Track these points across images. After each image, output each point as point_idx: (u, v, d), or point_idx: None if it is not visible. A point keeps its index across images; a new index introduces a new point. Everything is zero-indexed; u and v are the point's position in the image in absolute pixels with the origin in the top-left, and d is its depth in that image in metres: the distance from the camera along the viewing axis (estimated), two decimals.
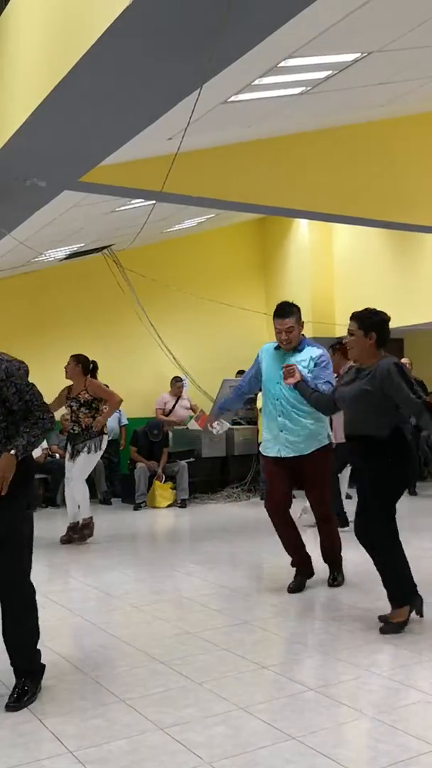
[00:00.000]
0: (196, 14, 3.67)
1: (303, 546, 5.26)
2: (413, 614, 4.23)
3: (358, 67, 5.33)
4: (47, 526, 8.70)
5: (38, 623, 3.48)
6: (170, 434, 10.60)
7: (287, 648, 4.01)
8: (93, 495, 7.96)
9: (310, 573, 5.26)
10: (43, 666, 3.50)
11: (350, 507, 5.67)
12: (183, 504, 9.72)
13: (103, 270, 10.80)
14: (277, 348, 5.24)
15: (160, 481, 9.87)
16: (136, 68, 4.25)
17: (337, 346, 7.03)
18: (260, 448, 5.43)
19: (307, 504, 6.93)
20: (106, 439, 7.46)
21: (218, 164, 6.94)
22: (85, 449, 7.23)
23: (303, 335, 5.26)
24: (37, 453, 10.17)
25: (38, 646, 3.50)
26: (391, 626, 4.13)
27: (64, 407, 7.53)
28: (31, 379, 3.43)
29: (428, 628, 4.27)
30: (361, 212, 7.90)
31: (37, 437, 3.34)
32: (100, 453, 7.42)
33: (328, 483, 5.30)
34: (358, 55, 5.15)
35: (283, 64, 5.00)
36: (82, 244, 9.89)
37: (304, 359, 5.09)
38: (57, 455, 10.45)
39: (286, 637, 4.15)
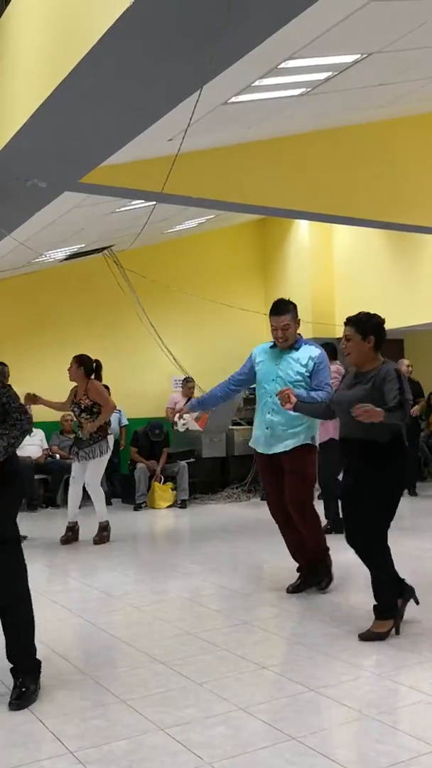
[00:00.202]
0: (196, 15, 3.67)
1: (297, 546, 5.17)
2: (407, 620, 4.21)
3: (358, 68, 5.33)
4: (47, 526, 8.70)
5: (33, 620, 3.50)
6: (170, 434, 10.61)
7: (288, 648, 4.02)
8: None
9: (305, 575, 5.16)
10: (39, 662, 3.50)
11: None
12: (183, 504, 9.72)
13: (104, 271, 10.81)
14: (272, 346, 5.18)
15: (159, 482, 9.88)
16: (137, 69, 4.26)
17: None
18: (250, 443, 5.32)
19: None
20: (112, 438, 7.46)
21: (218, 165, 6.94)
22: (92, 454, 7.23)
23: (299, 334, 5.19)
24: (37, 453, 10.19)
25: (36, 644, 3.51)
26: (371, 634, 4.07)
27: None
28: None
29: (428, 628, 4.27)
30: (362, 213, 7.91)
31: (16, 438, 3.40)
32: (109, 454, 7.40)
33: (305, 480, 5.07)
34: (358, 56, 5.16)
35: (283, 65, 5.00)
36: (83, 245, 9.90)
37: (302, 358, 5.05)
38: (57, 456, 10.46)
39: (287, 638, 4.15)
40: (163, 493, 9.84)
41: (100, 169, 5.98)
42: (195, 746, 2.88)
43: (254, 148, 7.06)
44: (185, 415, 5.44)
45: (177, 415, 5.56)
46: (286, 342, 5.08)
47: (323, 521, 6.34)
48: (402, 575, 4.28)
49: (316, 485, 5.86)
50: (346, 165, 7.52)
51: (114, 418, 10.62)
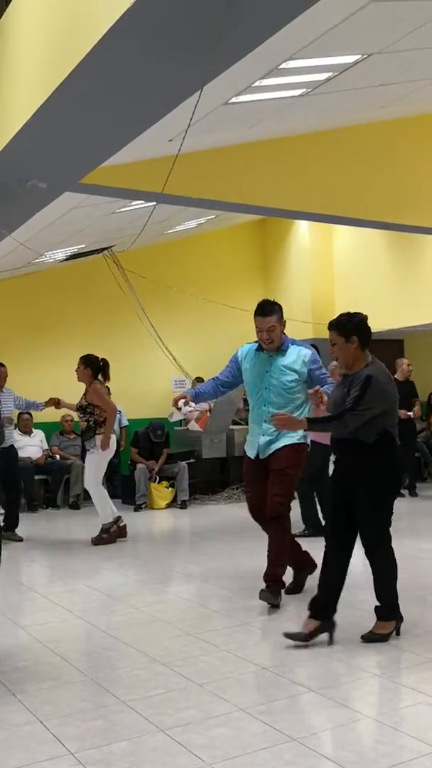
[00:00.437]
0: (196, 16, 3.67)
1: (296, 545, 5.05)
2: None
3: (359, 68, 5.33)
4: (47, 527, 8.71)
5: None
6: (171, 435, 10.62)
7: (288, 649, 4.01)
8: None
9: (312, 568, 5.00)
10: None
11: None
12: (183, 505, 9.72)
13: (104, 271, 10.81)
14: (258, 349, 5.00)
15: (154, 482, 9.87)
16: (137, 70, 4.26)
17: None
18: (245, 447, 5.15)
19: None
20: (114, 438, 7.45)
21: (219, 165, 6.94)
22: (90, 445, 7.25)
23: (284, 334, 5.01)
24: (37, 454, 10.19)
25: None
26: (374, 635, 4.06)
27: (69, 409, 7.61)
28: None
29: (428, 629, 4.27)
30: (362, 213, 7.91)
31: None
32: (109, 454, 7.38)
33: (292, 481, 4.92)
34: (358, 56, 5.16)
35: (283, 65, 5.00)
36: (83, 245, 9.90)
37: (294, 363, 4.91)
38: (57, 456, 10.46)
39: (287, 639, 4.14)
40: (160, 492, 9.84)
41: (101, 169, 5.98)
42: (195, 747, 2.87)
43: (254, 148, 7.06)
44: (185, 408, 4.96)
45: (182, 401, 4.96)
46: (272, 344, 4.91)
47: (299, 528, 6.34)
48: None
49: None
50: (346, 165, 7.53)
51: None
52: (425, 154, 7.90)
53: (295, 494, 5.41)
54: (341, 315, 4.24)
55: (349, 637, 4.10)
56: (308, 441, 5.05)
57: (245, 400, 11.11)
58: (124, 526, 7.46)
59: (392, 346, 12.60)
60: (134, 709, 3.27)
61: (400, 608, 4.14)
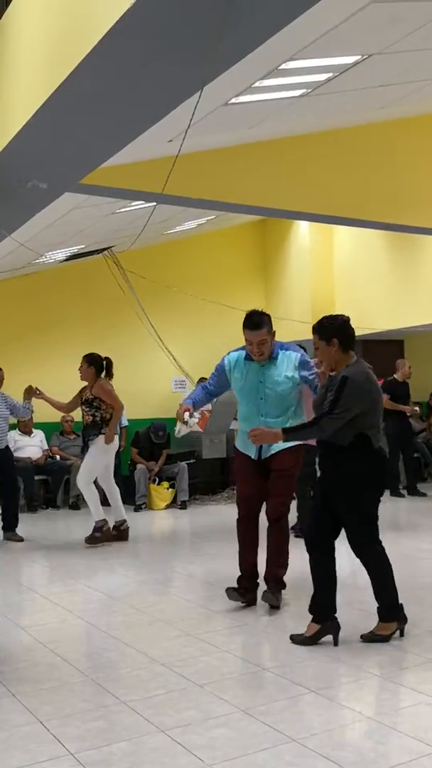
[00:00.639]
0: (196, 16, 3.67)
1: (257, 553, 4.92)
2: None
3: (359, 69, 5.33)
4: (48, 527, 8.71)
5: None
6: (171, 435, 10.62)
7: (288, 650, 4.01)
8: None
9: (256, 585, 4.89)
10: None
11: None
12: (183, 505, 9.72)
13: (104, 271, 10.81)
14: (248, 358, 4.90)
15: (154, 483, 9.87)
16: (137, 70, 4.26)
17: None
18: (237, 444, 5.09)
19: None
20: (115, 438, 7.44)
21: (219, 166, 6.95)
22: (90, 443, 7.24)
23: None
24: (37, 454, 10.19)
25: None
26: (373, 636, 4.05)
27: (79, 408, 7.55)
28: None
29: (429, 629, 4.27)
30: (362, 214, 7.91)
31: None
32: (107, 454, 7.37)
33: (292, 481, 4.94)
34: (358, 57, 5.16)
35: (283, 66, 5.00)
36: (83, 246, 9.91)
37: (284, 368, 4.85)
38: (57, 456, 10.46)
39: (287, 640, 4.15)
40: (160, 493, 9.84)
41: (101, 170, 5.98)
42: (195, 748, 2.88)
43: (255, 149, 7.06)
44: (191, 420, 4.94)
45: (187, 413, 4.91)
46: (262, 356, 4.80)
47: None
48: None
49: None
50: (346, 166, 7.53)
51: None
52: (425, 154, 7.90)
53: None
54: (323, 318, 4.21)
55: (349, 638, 4.10)
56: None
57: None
58: (127, 529, 7.45)
59: (392, 346, 12.61)
60: (134, 709, 3.27)
61: (403, 609, 4.13)
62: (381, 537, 4.15)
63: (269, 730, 3.02)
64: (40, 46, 4.77)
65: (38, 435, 10.38)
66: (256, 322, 4.79)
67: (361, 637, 4.07)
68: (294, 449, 4.86)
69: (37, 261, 9.99)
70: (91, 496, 7.28)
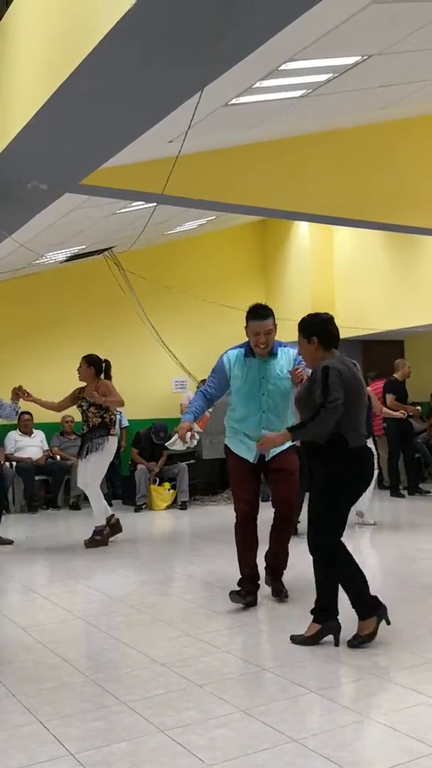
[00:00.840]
0: (196, 17, 3.68)
1: (257, 555, 5.00)
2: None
3: (359, 70, 5.34)
4: (48, 527, 8.71)
5: None
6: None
7: (288, 650, 4.01)
8: None
9: (257, 586, 4.97)
10: None
11: None
12: (183, 506, 9.73)
13: (104, 272, 10.82)
14: (247, 355, 4.90)
15: (155, 483, 9.87)
16: (138, 71, 4.27)
17: None
18: (229, 444, 5.00)
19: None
20: (114, 440, 7.45)
21: (219, 167, 6.95)
22: (92, 446, 7.23)
23: None
24: (37, 454, 10.19)
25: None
26: (358, 639, 3.98)
27: (75, 407, 7.53)
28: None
29: (429, 629, 4.27)
30: (362, 214, 7.91)
31: None
32: (111, 455, 7.39)
33: (295, 478, 4.97)
34: (358, 58, 5.16)
35: (284, 66, 5.01)
36: (83, 246, 9.91)
37: (283, 363, 4.88)
38: (57, 457, 10.46)
39: (287, 640, 4.15)
40: (160, 494, 9.85)
41: (101, 170, 5.99)
42: (195, 748, 2.88)
43: (255, 149, 7.07)
44: (191, 442, 4.91)
45: (189, 434, 4.84)
46: (267, 348, 4.83)
47: None
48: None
49: None
50: (346, 166, 7.53)
51: (115, 419, 10.63)
52: (425, 154, 7.91)
53: None
54: (306, 315, 4.17)
55: (349, 638, 4.09)
56: None
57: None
58: (117, 521, 7.41)
59: (392, 346, 12.62)
60: (134, 709, 3.27)
61: (377, 599, 4.01)
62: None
63: (269, 730, 3.02)
64: (41, 46, 4.78)
65: (39, 435, 10.39)
66: (263, 312, 4.86)
67: (348, 643, 3.97)
68: (291, 448, 4.90)
69: (38, 261, 10.00)
70: (98, 498, 7.28)
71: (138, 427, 10.42)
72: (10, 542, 7.45)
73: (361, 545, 6.97)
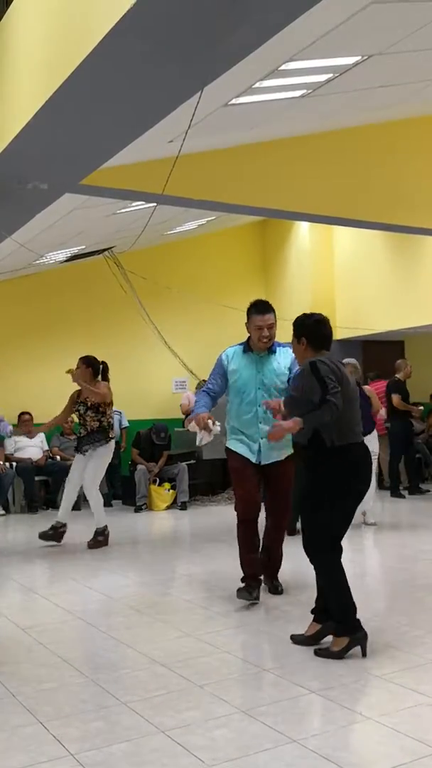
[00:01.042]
0: (196, 17, 3.67)
1: (258, 555, 5.07)
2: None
3: (359, 70, 5.34)
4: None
5: None
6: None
7: (288, 650, 4.01)
8: None
9: (260, 582, 5.04)
10: None
11: None
12: (183, 506, 9.72)
13: (105, 272, 10.82)
14: (246, 351, 4.98)
15: (155, 484, 9.87)
16: (138, 71, 4.26)
17: None
18: (230, 446, 5.04)
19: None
20: (113, 444, 7.44)
21: (219, 167, 6.95)
22: (90, 452, 7.23)
23: None
24: (37, 455, 10.19)
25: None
26: (325, 651, 3.86)
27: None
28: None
29: (429, 630, 4.27)
30: (362, 215, 7.91)
31: None
32: (109, 458, 7.40)
33: (291, 490, 5.11)
34: (358, 58, 5.16)
35: (284, 67, 5.01)
36: (83, 247, 9.91)
37: (283, 363, 4.93)
38: (58, 457, 10.46)
39: (288, 640, 4.14)
40: (160, 494, 9.84)
41: (101, 170, 5.99)
42: (196, 749, 2.87)
43: (255, 149, 7.07)
44: (215, 428, 4.85)
45: (209, 421, 4.82)
46: (269, 342, 4.91)
47: None
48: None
49: None
50: (347, 166, 7.53)
51: (115, 419, 10.62)
52: (425, 155, 7.91)
53: None
54: (300, 315, 4.14)
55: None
56: None
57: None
58: (62, 532, 7.37)
59: (393, 347, 12.61)
60: (135, 710, 3.27)
61: (359, 624, 3.85)
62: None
63: (270, 730, 3.02)
64: (41, 46, 4.77)
65: (39, 436, 10.39)
66: (266, 306, 4.96)
67: (315, 652, 3.89)
68: (289, 458, 5.00)
69: (38, 262, 10.00)
70: (97, 501, 7.28)
71: (138, 428, 10.42)
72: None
73: (362, 545, 6.97)
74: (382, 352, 12.22)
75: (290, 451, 4.96)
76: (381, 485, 10.90)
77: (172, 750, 2.88)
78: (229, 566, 6.19)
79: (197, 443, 5.03)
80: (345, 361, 7.40)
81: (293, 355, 4.83)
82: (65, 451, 10.48)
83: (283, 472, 5.00)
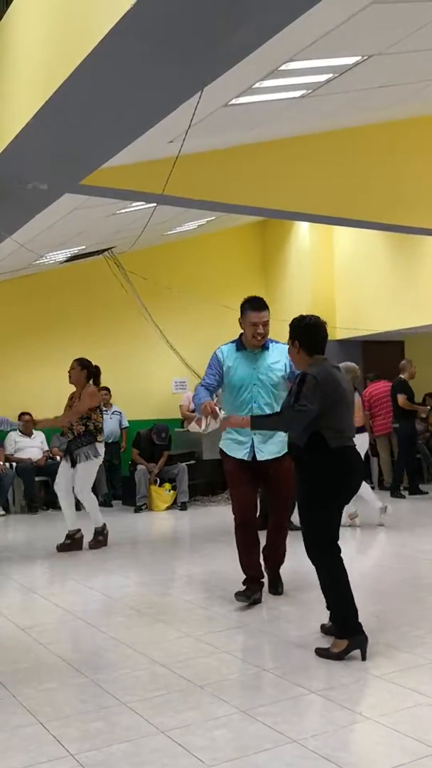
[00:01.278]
0: (196, 17, 3.67)
1: (259, 556, 5.07)
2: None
3: (359, 70, 5.34)
4: (48, 528, 8.71)
5: None
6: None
7: (288, 651, 4.01)
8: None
9: (262, 585, 5.04)
10: None
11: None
12: (183, 506, 9.72)
13: (105, 273, 10.81)
14: (239, 349, 5.00)
15: (155, 484, 9.86)
16: (138, 71, 4.26)
17: None
18: (223, 447, 5.06)
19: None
20: (102, 446, 7.39)
21: (219, 167, 6.95)
22: (80, 457, 7.18)
23: None
24: (37, 455, 10.19)
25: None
26: (325, 651, 3.85)
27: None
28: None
29: (429, 630, 4.26)
30: (362, 215, 7.91)
31: None
32: (99, 459, 7.35)
33: (291, 486, 4.96)
34: (358, 58, 5.16)
35: (284, 67, 5.01)
36: (83, 247, 9.91)
37: (275, 357, 4.94)
38: (58, 457, 10.45)
39: (287, 640, 4.15)
40: (160, 495, 9.84)
41: (101, 171, 5.98)
42: (196, 749, 2.87)
43: (255, 149, 7.07)
44: (222, 414, 4.76)
45: (217, 407, 4.77)
46: (263, 339, 4.93)
47: None
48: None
49: None
50: (347, 167, 7.53)
51: (115, 420, 10.64)
52: (425, 155, 7.91)
53: None
54: (296, 317, 4.12)
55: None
56: None
57: None
58: (81, 537, 7.28)
59: (393, 347, 12.62)
60: (135, 710, 3.27)
61: (360, 628, 3.82)
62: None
63: (269, 731, 3.02)
64: (41, 46, 4.77)
65: (39, 436, 10.39)
66: (261, 303, 4.99)
67: (315, 651, 3.90)
68: (287, 455, 4.89)
69: (38, 262, 10.00)
70: (93, 503, 7.26)
71: (138, 428, 10.41)
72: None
73: (362, 545, 6.97)
74: (382, 353, 12.22)
75: (285, 449, 4.84)
76: (381, 485, 10.91)
77: (172, 750, 2.88)
78: (229, 567, 6.19)
79: (202, 431, 5.01)
80: (344, 365, 7.36)
81: (286, 348, 4.89)
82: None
83: (281, 470, 4.94)
